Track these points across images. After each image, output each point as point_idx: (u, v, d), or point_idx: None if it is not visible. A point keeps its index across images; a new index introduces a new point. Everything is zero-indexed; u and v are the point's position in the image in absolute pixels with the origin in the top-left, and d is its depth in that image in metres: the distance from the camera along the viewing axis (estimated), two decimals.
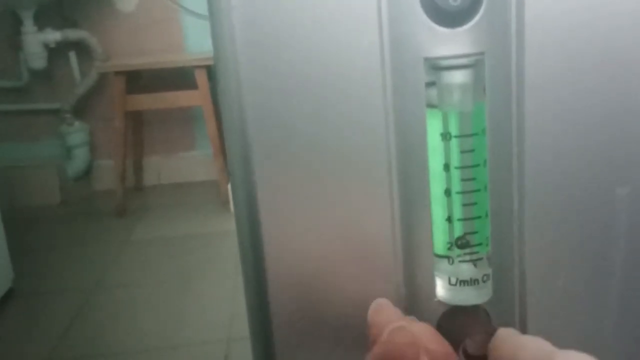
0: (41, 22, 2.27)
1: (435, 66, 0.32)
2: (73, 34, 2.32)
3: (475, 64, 0.32)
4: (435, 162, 0.32)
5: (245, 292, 0.37)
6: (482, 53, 0.31)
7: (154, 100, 2.19)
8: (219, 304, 1.55)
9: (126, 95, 2.15)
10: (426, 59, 0.31)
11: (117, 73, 2.13)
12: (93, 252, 1.94)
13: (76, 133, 2.39)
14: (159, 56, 2.28)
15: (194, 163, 2.49)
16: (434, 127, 0.32)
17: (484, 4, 0.31)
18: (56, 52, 2.33)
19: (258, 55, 0.32)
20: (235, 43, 0.32)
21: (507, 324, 0.35)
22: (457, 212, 0.33)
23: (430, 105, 0.32)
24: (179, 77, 2.29)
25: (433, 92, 0.32)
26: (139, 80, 2.27)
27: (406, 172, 0.32)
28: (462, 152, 0.32)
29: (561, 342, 0.35)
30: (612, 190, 0.33)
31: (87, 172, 2.45)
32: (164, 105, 2.22)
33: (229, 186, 0.32)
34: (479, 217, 0.33)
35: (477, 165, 0.32)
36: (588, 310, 0.35)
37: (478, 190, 0.33)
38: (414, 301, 0.34)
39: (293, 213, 0.33)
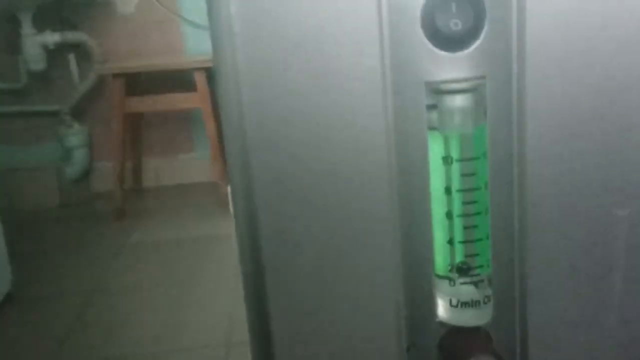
0: (40, 24, 2.26)
1: (437, 90, 0.32)
2: (72, 36, 2.32)
3: (476, 88, 0.32)
4: (436, 185, 0.33)
5: (245, 299, 0.37)
6: (483, 77, 0.31)
7: (153, 102, 2.19)
8: (219, 307, 1.56)
9: (125, 98, 2.15)
10: (427, 83, 0.31)
11: (116, 75, 2.13)
12: (92, 255, 1.94)
13: (75, 135, 2.39)
14: (158, 58, 2.28)
15: (192, 165, 2.49)
16: (435, 150, 0.32)
17: (485, 29, 0.31)
18: (55, 54, 2.32)
19: (259, 73, 0.32)
20: (237, 65, 0.32)
21: (509, 345, 0.35)
22: (459, 235, 0.33)
23: (432, 128, 0.32)
24: (178, 79, 2.29)
25: (434, 115, 0.32)
26: (138, 83, 2.27)
27: (408, 193, 0.33)
28: (464, 175, 0.32)
29: None
30: (612, 211, 0.33)
31: (86, 174, 2.45)
32: (162, 107, 2.22)
33: (229, 188, 0.32)
34: (480, 239, 0.33)
35: (479, 188, 0.33)
36: (589, 331, 0.35)
37: (479, 213, 0.33)
38: (415, 322, 0.34)
39: (293, 226, 0.33)
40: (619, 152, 0.33)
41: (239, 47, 0.31)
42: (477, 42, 0.31)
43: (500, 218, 0.33)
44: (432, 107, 0.32)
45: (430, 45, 0.31)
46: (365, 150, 0.32)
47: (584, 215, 0.33)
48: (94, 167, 2.49)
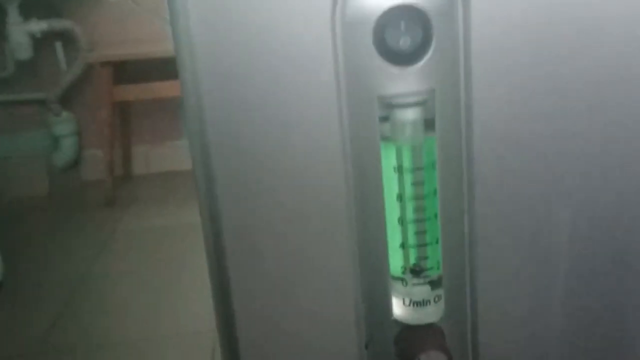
0: (26, 13, 2.26)
1: (388, 103, 0.33)
2: (58, 24, 2.31)
3: (426, 100, 0.34)
4: (389, 192, 0.34)
5: (212, 298, 0.39)
6: (432, 90, 0.33)
7: (141, 90, 2.19)
8: (209, 293, 1.58)
9: (113, 86, 2.15)
10: (380, 97, 0.33)
11: (103, 64, 2.13)
12: (82, 243, 1.95)
13: (63, 123, 2.40)
14: (146, 46, 2.28)
15: (182, 152, 2.51)
16: (388, 159, 0.34)
17: (432, 44, 0.33)
18: (42, 43, 2.32)
19: (219, 83, 0.33)
20: (198, 75, 0.34)
21: (460, 340, 0.37)
22: (411, 239, 0.35)
23: (385, 138, 0.34)
24: (166, 67, 2.29)
25: (387, 126, 0.34)
26: (126, 70, 2.27)
27: (363, 200, 0.34)
28: (414, 183, 0.34)
29: (511, 358, 0.38)
30: (555, 213, 0.36)
31: (76, 162, 2.46)
32: (151, 95, 2.23)
33: None
34: (431, 243, 0.35)
35: (429, 195, 0.35)
36: (535, 325, 0.38)
37: (430, 219, 0.35)
38: (372, 320, 0.37)
39: (255, 235, 0.35)
40: (562, 157, 0.35)
41: (198, 57, 0.33)
42: (426, 57, 0.33)
43: (449, 223, 0.35)
44: (384, 118, 0.34)
45: (381, 61, 0.33)
46: (322, 160, 0.34)
47: (529, 218, 0.35)
48: (83, 155, 2.49)
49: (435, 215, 0.35)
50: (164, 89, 2.19)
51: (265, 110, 0.34)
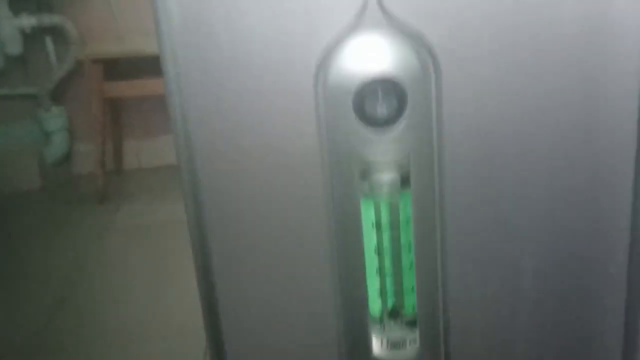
0: (16, 8, 2.26)
1: (367, 164, 0.36)
2: (49, 18, 2.31)
3: (402, 162, 0.36)
4: (368, 245, 0.37)
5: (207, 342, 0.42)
6: (407, 153, 0.36)
7: (133, 87, 2.20)
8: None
9: (104, 82, 2.16)
10: (359, 158, 0.36)
11: (94, 60, 2.14)
12: (74, 239, 1.97)
13: (54, 118, 2.40)
14: (138, 42, 2.29)
15: (173, 147, 2.52)
16: (367, 215, 0.37)
17: (407, 112, 0.36)
18: (32, 37, 2.32)
19: (210, 144, 0.36)
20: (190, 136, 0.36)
21: None
22: (389, 286, 0.38)
23: (365, 196, 0.37)
24: (157, 63, 2.30)
25: (367, 185, 0.37)
26: (117, 66, 2.28)
27: (345, 251, 0.38)
28: (392, 238, 0.37)
29: None
30: (520, 264, 0.39)
31: (67, 157, 2.47)
32: (142, 92, 2.24)
33: None
34: (407, 289, 0.38)
35: (405, 247, 0.38)
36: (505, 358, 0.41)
37: (406, 268, 0.38)
38: (354, 358, 0.40)
39: (243, 275, 0.38)
40: (532, 212, 0.38)
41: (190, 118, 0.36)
42: (401, 123, 0.36)
43: (423, 271, 0.38)
44: (364, 178, 0.37)
45: (361, 126, 0.36)
46: (307, 217, 0.37)
47: (498, 267, 0.38)
48: (74, 149, 2.50)
49: (411, 265, 0.38)
50: (155, 85, 2.20)
51: (254, 174, 0.36)
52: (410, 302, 0.39)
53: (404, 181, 0.37)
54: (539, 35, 0.35)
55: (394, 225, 0.37)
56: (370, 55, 0.35)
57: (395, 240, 0.37)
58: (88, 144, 2.41)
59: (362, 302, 0.38)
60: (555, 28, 0.35)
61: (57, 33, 2.33)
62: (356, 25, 0.35)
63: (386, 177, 0.36)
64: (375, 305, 0.39)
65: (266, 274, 0.38)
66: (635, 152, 0.37)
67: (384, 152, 0.36)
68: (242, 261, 0.38)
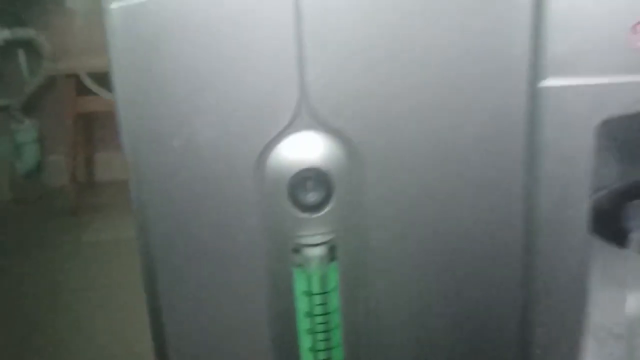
0: None
1: (299, 242, 0.42)
2: (22, 32, 2.33)
3: (329, 240, 0.42)
4: (301, 310, 0.43)
5: None
6: (333, 232, 0.42)
7: (105, 102, 2.24)
8: None
9: (76, 97, 2.20)
10: (292, 236, 0.42)
11: (68, 75, 2.17)
12: (46, 253, 2.00)
13: (25, 131, 2.43)
14: None
15: None
16: (300, 284, 0.43)
17: (334, 198, 0.42)
18: (5, 51, 2.34)
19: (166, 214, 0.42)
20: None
21: None
22: (319, 345, 0.44)
23: (298, 266, 0.43)
24: None
25: (299, 257, 0.43)
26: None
27: (279, 315, 0.43)
28: (321, 303, 0.43)
29: None
30: (430, 319, 0.45)
31: (38, 169, 2.49)
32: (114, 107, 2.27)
33: None
34: (336, 346, 0.44)
35: (334, 312, 0.44)
36: None
37: (334, 329, 0.44)
38: None
39: (197, 329, 0.44)
40: (449, 270, 0.44)
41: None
42: (328, 208, 0.42)
43: (350, 332, 0.44)
44: (297, 252, 0.43)
45: (294, 209, 0.42)
46: (247, 283, 0.43)
47: (409, 325, 0.45)
48: (46, 160, 2.53)
49: (338, 326, 0.44)
50: None
51: (203, 240, 0.42)
52: (339, 356, 0.44)
53: (334, 254, 0.43)
54: (450, 132, 0.41)
55: (323, 292, 0.43)
56: (302, 151, 0.41)
57: (324, 304, 0.43)
58: (60, 155, 2.43)
59: (294, 355, 0.44)
60: (466, 119, 0.42)
61: (30, 47, 2.36)
62: (290, 125, 0.40)
63: (316, 252, 0.42)
64: (309, 356, 0.45)
65: (212, 334, 0.44)
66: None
67: (314, 231, 0.42)
68: (194, 320, 0.44)
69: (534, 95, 0.39)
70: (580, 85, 0.39)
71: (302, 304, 0.43)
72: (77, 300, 1.74)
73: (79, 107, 2.21)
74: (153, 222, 0.42)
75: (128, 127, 0.41)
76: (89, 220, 2.22)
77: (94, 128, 2.52)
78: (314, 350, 0.44)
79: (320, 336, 0.44)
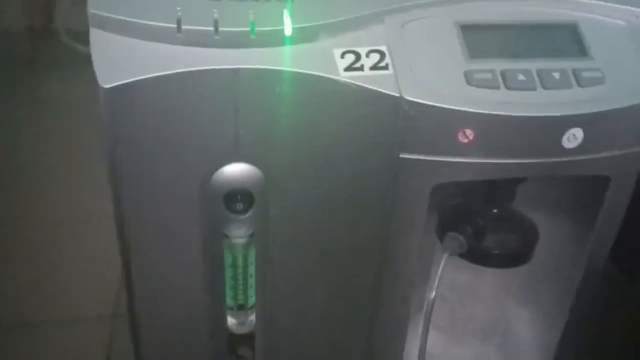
0: None
1: (230, 234, 0.62)
2: None
3: (251, 235, 0.62)
4: (228, 274, 0.64)
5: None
6: (253, 228, 0.62)
7: None
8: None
9: None
10: (225, 230, 0.62)
11: None
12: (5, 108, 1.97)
13: None
14: None
15: None
16: (227, 258, 0.63)
17: (254, 206, 0.61)
18: None
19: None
20: None
21: (270, 345, 0.70)
22: (240, 293, 0.66)
23: (228, 248, 0.63)
24: None
25: (229, 241, 0.63)
26: None
27: (216, 277, 0.64)
28: (242, 271, 0.64)
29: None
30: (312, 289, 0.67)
31: None
32: None
33: None
34: (250, 295, 0.66)
35: (251, 275, 0.65)
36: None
37: (250, 284, 0.65)
38: (217, 329, 0.68)
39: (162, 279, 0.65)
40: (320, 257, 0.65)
41: None
42: (250, 213, 0.61)
43: (260, 291, 0.66)
44: (227, 237, 0.63)
45: (228, 213, 0.61)
46: (197, 257, 0.63)
47: (301, 294, 0.66)
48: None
49: (254, 284, 0.65)
50: None
51: (173, 230, 0.61)
52: (252, 302, 0.66)
53: (252, 241, 0.63)
54: (334, 172, 0.60)
55: (244, 264, 0.64)
56: (234, 175, 0.59)
57: (244, 270, 0.64)
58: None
59: (222, 300, 0.66)
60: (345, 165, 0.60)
61: None
62: (228, 157, 0.58)
63: (240, 240, 0.62)
64: (231, 302, 0.66)
65: (170, 290, 0.64)
66: None
67: (240, 227, 0.62)
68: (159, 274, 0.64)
69: (395, 163, 0.58)
70: (424, 159, 0.57)
71: (229, 271, 0.64)
72: (33, 162, 1.73)
73: None
74: (132, 216, 0.60)
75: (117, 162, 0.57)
76: (46, 72, 2.20)
77: None
78: (235, 298, 0.66)
79: (240, 291, 0.66)
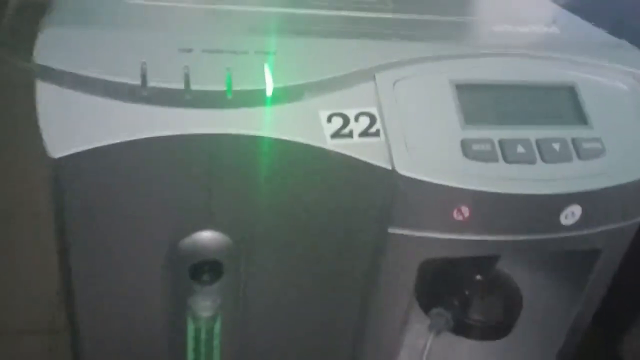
0: None
1: (193, 306, 0.55)
2: None
3: (218, 306, 0.56)
4: (190, 347, 0.58)
5: None
6: (220, 299, 0.56)
7: None
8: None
9: None
10: (189, 301, 0.55)
11: None
12: None
13: None
14: None
15: None
16: (190, 331, 0.57)
17: (223, 277, 0.54)
18: None
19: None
20: None
21: None
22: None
23: (193, 320, 0.57)
24: None
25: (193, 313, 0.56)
26: None
27: (177, 351, 0.58)
28: (206, 345, 0.58)
29: None
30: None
31: None
32: None
33: None
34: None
35: (216, 349, 0.58)
36: None
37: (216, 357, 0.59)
38: None
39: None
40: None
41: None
42: (219, 284, 0.55)
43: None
44: (190, 310, 0.56)
45: (194, 285, 0.54)
46: (156, 329, 0.56)
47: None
48: None
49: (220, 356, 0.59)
50: None
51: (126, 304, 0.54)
52: None
53: (217, 312, 0.57)
54: (308, 247, 0.54)
55: (208, 338, 0.57)
56: (202, 244, 0.53)
57: (209, 344, 0.58)
58: None
59: None
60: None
61: None
62: (194, 226, 0.52)
63: (207, 313, 0.56)
64: None
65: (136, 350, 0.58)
66: None
67: (206, 298, 0.55)
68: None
69: (382, 238, 0.52)
70: (415, 235, 0.52)
71: (191, 344, 0.58)
72: None
73: None
74: (83, 289, 0.53)
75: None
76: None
77: None
78: None
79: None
